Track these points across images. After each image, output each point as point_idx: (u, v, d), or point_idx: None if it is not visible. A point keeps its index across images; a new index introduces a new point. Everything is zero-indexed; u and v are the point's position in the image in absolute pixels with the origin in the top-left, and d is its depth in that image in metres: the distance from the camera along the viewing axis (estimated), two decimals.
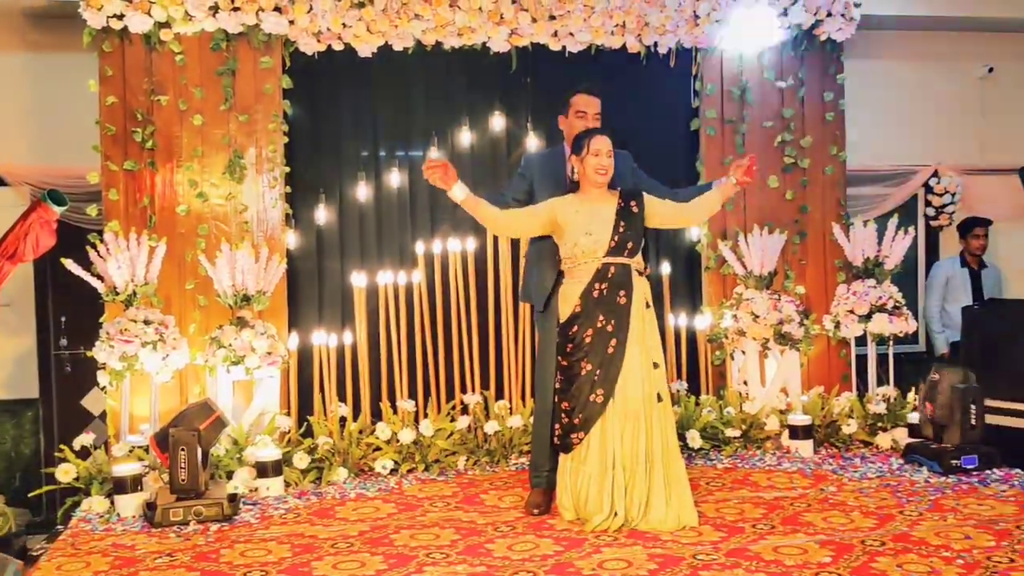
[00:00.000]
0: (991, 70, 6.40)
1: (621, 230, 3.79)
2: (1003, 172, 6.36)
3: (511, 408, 4.99)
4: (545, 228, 3.90)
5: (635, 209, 3.84)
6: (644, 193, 3.93)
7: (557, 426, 3.80)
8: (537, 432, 4.10)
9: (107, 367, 4.43)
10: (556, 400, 3.82)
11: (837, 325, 5.19)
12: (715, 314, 5.35)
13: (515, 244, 5.11)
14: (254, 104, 5.03)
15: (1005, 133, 6.45)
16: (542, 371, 4.08)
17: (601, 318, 3.73)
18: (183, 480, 3.87)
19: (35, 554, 3.60)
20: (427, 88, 5.33)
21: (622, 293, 3.75)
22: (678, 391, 5.13)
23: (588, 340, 3.73)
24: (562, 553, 3.40)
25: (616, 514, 3.62)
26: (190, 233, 4.96)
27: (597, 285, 3.75)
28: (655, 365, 3.78)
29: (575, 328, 3.76)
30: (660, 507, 3.64)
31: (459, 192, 3.80)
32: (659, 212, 3.93)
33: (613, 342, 3.72)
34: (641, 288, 3.82)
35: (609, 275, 3.76)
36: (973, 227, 6.18)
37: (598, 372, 3.71)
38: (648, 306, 3.83)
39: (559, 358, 3.81)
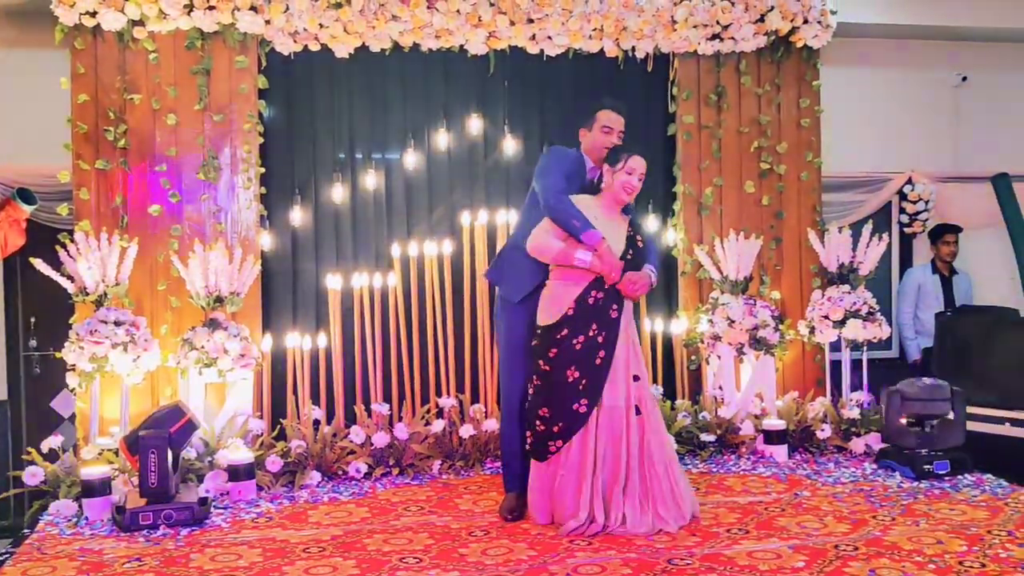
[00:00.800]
0: (964, 79, 6.46)
1: (629, 257, 3.83)
2: (976, 180, 6.42)
3: (487, 412, 4.97)
4: None
5: (640, 244, 3.91)
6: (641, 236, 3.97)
7: (529, 432, 3.79)
8: (508, 435, 4.05)
9: (77, 368, 4.37)
10: (531, 404, 3.80)
11: (812, 330, 5.22)
12: (691, 319, 5.37)
13: (491, 247, 5.09)
14: (229, 104, 4.99)
15: (978, 141, 6.50)
16: (508, 373, 4.00)
17: (594, 327, 3.73)
18: (153, 483, 3.82)
19: (0, 558, 3.53)
20: (404, 90, 5.30)
21: (615, 307, 3.77)
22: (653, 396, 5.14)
23: (578, 348, 3.71)
24: (536, 558, 3.38)
25: (592, 520, 3.61)
26: (163, 233, 4.90)
27: (594, 292, 3.75)
28: (636, 378, 3.78)
29: (564, 332, 3.73)
30: (635, 513, 3.63)
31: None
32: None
33: (601, 354, 3.72)
34: (630, 303, 3.88)
35: (606, 284, 3.77)
36: (943, 234, 6.23)
37: (584, 381, 3.69)
38: (631, 319, 3.88)
39: (540, 362, 3.77)
